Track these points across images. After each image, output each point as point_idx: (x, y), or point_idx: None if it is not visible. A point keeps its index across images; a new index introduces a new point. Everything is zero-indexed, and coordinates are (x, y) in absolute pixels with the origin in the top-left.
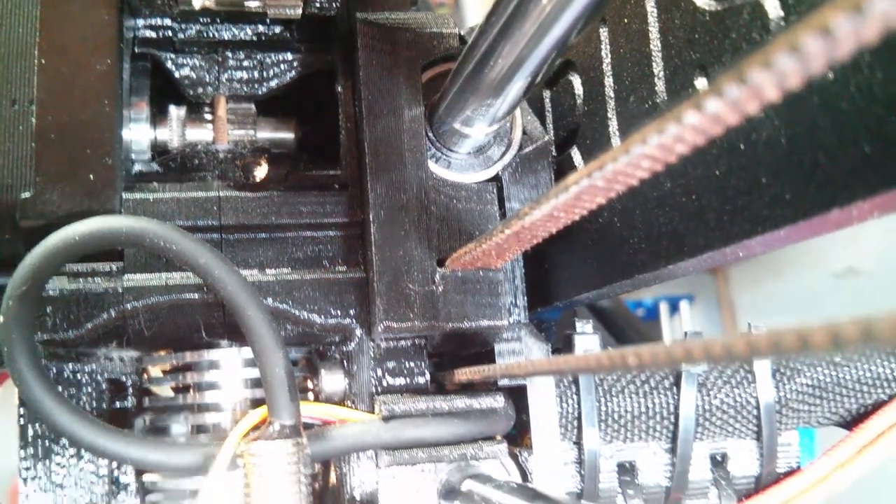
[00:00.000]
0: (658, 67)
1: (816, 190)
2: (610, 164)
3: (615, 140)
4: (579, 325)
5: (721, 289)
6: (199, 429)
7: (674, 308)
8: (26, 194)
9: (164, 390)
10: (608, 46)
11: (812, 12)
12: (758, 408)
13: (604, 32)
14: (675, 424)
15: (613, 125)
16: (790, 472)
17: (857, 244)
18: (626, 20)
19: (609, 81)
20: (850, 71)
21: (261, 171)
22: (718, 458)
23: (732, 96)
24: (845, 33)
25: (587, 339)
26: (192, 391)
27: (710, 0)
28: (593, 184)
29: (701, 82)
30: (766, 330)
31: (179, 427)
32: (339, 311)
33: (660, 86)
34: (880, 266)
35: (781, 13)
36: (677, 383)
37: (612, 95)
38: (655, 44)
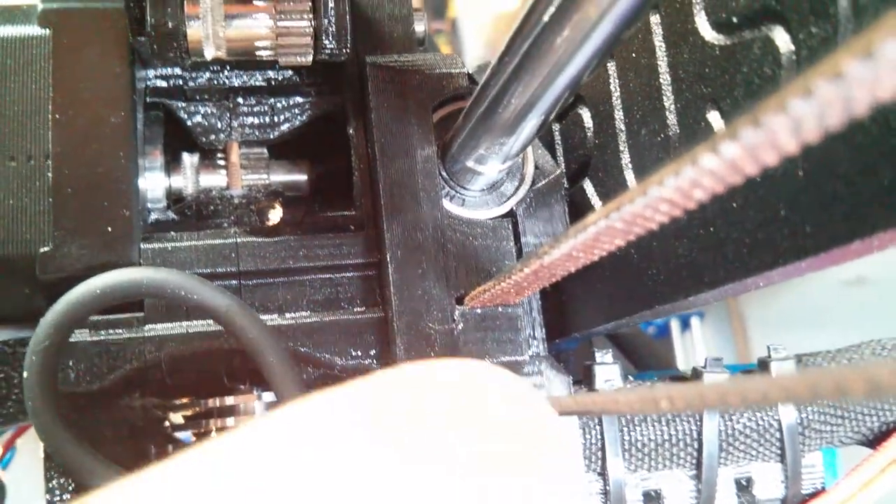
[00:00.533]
0: (669, 101)
1: (837, 222)
2: (627, 205)
3: (628, 173)
4: (599, 356)
5: (731, 303)
6: None
7: (685, 325)
8: (45, 249)
9: (187, 436)
10: (617, 80)
11: (823, 45)
12: (780, 430)
13: (612, 67)
14: (699, 451)
15: (626, 158)
16: (815, 494)
17: None
18: (633, 55)
19: (619, 115)
20: None
21: (276, 215)
22: (744, 483)
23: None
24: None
25: (608, 369)
26: (214, 437)
27: (719, 35)
28: (611, 224)
29: (713, 115)
30: (780, 368)
31: None
32: (359, 352)
33: (671, 119)
34: (890, 273)
35: (792, 47)
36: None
37: (623, 128)
38: (665, 77)
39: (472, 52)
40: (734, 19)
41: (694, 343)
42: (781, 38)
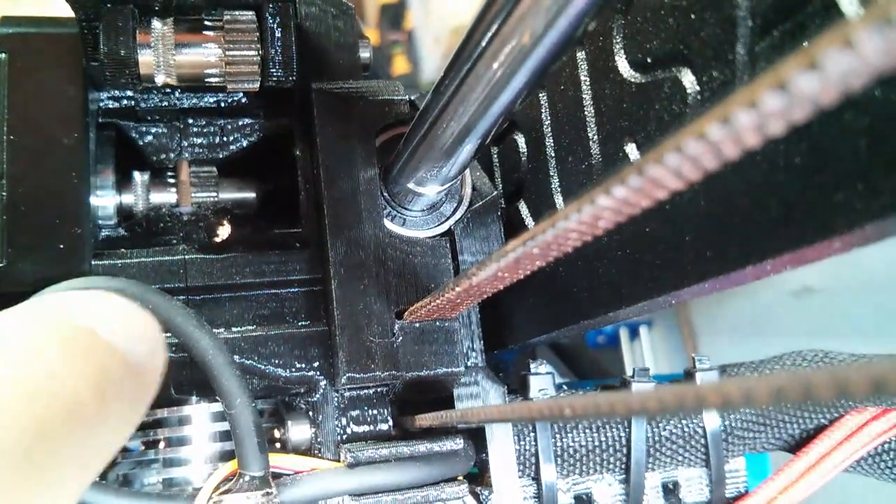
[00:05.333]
0: (592, 132)
1: (734, 248)
2: (540, 235)
3: (557, 196)
4: (533, 366)
5: (680, 312)
6: (170, 482)
7: (634, 334)
8: (0, 264)
9: (136, 445)
10: (548, 110)
11: (723, 87)
12: (705, 437)
13: (543, 97)
14: (628, 456)
15: (555, 182)
16: (738, 497)
17: (812, 263)
18: (562, 87)
19: (550, 142)
20: None
21: (224, 232)
22: (670, 487)
23: (641, 182)
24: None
25: (541, 379)
26: (162, 446)
27: (635, 73)
28: (528, 251)
29: (630, 147)
30: (704, 379)
31: (151, 481)
32: (303, 364)
33: (594, 149)
34: (835, 284)
35: (698, 88)
36: (628, 416)
37: (553, 155)
38: (589, 110)
39: (429, 63)
40: (648, 60)
41: (643, 352)
42: (688, 79)
